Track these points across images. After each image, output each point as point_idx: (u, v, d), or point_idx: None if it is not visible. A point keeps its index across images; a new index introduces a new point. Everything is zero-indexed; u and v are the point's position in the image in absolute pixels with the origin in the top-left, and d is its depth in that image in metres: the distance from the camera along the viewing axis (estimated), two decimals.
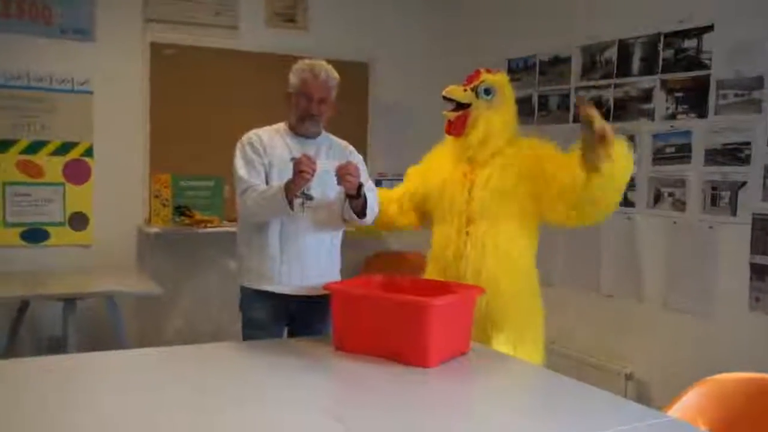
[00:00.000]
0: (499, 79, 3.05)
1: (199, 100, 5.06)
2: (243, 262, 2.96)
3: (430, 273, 3.03)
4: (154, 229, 4.80)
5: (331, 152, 2.97)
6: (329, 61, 2.95)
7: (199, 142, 5.05)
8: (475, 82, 3.01)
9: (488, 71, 3.02)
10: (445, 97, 2.98)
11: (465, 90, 2.99)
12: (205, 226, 4.79)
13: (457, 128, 3.00)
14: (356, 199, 2.78)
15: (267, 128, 2.98)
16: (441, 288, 2.72)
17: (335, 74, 2.91)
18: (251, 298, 2.95)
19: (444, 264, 2.96)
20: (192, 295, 5.11)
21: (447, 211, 3.00)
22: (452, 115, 3.00)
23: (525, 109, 4.95)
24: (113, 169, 4.92)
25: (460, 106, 2.99)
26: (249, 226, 2.91)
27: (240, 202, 2.84)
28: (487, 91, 2.98)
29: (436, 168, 3.11)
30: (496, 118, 2.98)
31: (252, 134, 2.93)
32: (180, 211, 4.91)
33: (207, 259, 5.14)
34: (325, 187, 2.86)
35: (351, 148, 3.06)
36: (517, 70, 5.18)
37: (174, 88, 4.96)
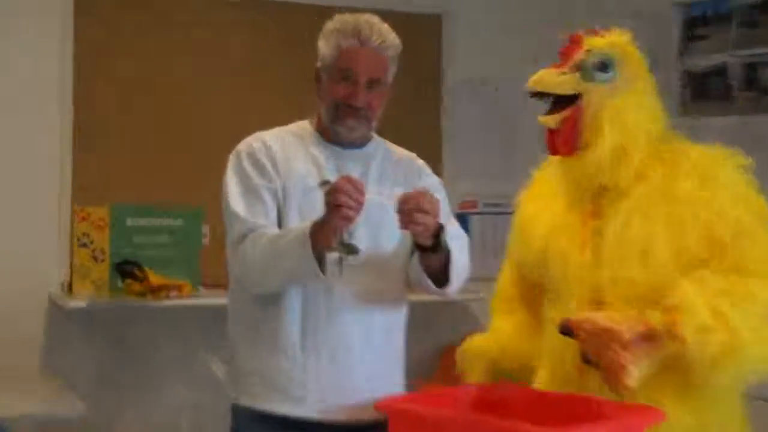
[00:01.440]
0: (617, 41, 2.37)
1: (158, 83, 4.28)
2: (238, 364, 2.33)
3: (545, 382, 2.37)
4: (77, 303, 3.93)
5: (388, 172, 2.35)
6: (380, 15, 2.36)
7: (159, 152, 4.23)
8: (578, 55, 2.33)
9: (595, 33, 2.37)
10: (533, 94, 2.31)
11: (563, 73, 2.31)
12: (168, 297, 3.92)
13: (565, 141, 2.30)
14: (433, 253, 2.18)
15: (280, 131, 2.35)
16: (579, 407, 2.17)
17: (394, 38, 2.31)
18: (252, 426, 2.29)
19: (563, 375, 2.31)
20: (142, 419, 4.23)
21: (557, 287, 2.34)
22: (553, 121, 2.29)
23: (714, 89, 4.34)
24: (3, 199, 4.09)
25: (561, 102, 2.30)
26: (248, 299, 2.28)
27: (234, 256, 2.24)
28: (603, 66, 2.30)
29: (540, 210, 2.41)
30: (631, 109, 2.31)
31: (256, 141, 2.31)
32: (125, 270, 4.02)
33: (170, 355, 4.25)
34: (378, 231, 2.27)
35: (421, 163, 2.43)
36: (698, 22, 4.49)
37: (115, 62, 4.18)
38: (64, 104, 4.12)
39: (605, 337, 2.08)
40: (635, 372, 2.08)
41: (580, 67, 2.33)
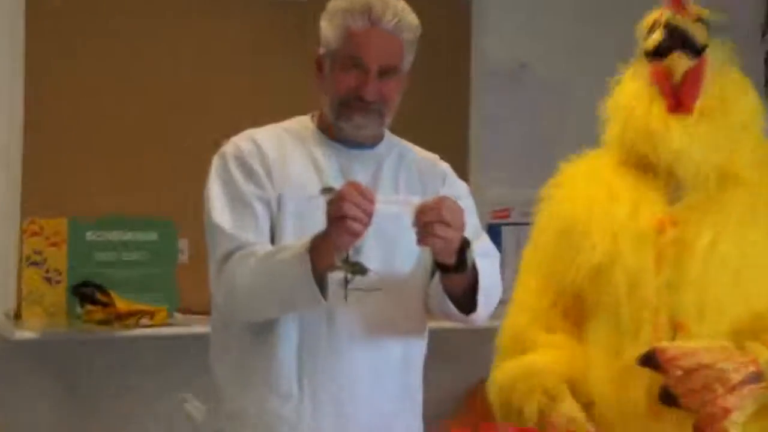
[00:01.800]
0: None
1: (126, 80, 3.95)
2: (221, 406, 2.21)
3: (603, 421, 2.20)
4: (26, 334, 3.59)
5: (404, 176, 2.23)
6: None
7: (127, 155, 3.92)
8: (696, 9, 2.28)
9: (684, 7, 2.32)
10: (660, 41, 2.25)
11: (693, 20, 2.27)
12: (137, 325, 3.57)
13: (689, 93, 2.22)
14: (457, 273, 2.06)
15: (275, 128, 2.24)
16: None
17: (413, 18, 2.19)
18: None
19: (625, 413, 2.15)
20: None
21: (619, 311, 2.19)
22: (685, 65, 2.22)
23: None
24: None
25: (686, 48, 2.23)
26: (235, 328, 2.17)
27: (218, 278, 2.12)
28: (716, 31, 2.33)
29: (591, 213, 2.26)
30: (741, 88, 2.27)
31: (245, 141, 2.18)
32: (85, 293, 3.64)
33: (139, 395, 3.90)
34: (391, 248, 2.14)
35: (444, 166, 2.30)
36: None
37: (74, 56, 3.89)
38: (13, 102, 3.77)
39: (708, 377, 2.02)
40: (740, 418, 2.02)
41: (702, 20, 2.29)
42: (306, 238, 1.99)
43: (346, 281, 2.06)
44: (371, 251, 2.10)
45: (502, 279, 2.26)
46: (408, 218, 2.00)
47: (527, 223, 3.99)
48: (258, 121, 2.29)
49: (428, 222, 1.95)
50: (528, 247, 2.47)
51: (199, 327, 2.96)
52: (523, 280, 2.44)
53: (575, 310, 2.37)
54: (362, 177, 2.13)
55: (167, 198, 3.68)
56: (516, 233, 3.95)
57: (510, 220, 4.22)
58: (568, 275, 2.30)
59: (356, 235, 1.92)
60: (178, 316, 3.61)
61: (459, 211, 1.96)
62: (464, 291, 2.13)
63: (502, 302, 2.31)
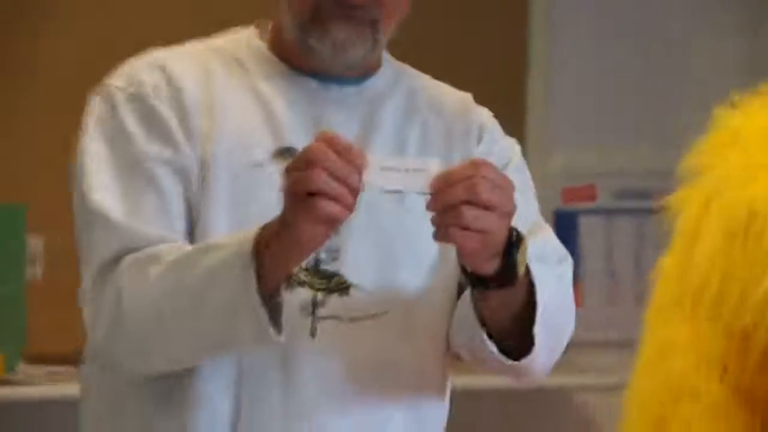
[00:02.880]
0: None
1: None
2: None
3: None
4: None
5: (416, 127, 1.83)
6: None
7: None
8: None
9: None
10: None
11: None
12: None
13: None
14: (500, 290, 1.63)
15: (196, 49, 1.81)
16: None
17: None
18: None
19: None
20: None
21: None
22: None
23: None
24: None
25: None
26: (124, 384, 1.81)
27: (97, 300, 1.73)
28: None
29: None
30: None
31: (147, 71, 1.80)
32: None
33: None
34: (391, 248, 1.75)
35: (482, 113, 1.85)
36: None
37: None
38: None
39: None
40: None
41: None
42: (248, 231, 1.54)
43: (315, 305, 1.64)
44: (358, 254, 1.68)
45: (576, 304, 1.75)
46: (420, 198, 1.52)
47: (624, 210, 3.21)
48: (167, 37, 1.78)
49: (453, 204, 1.47)
50: (668, 259, 1.57)
51: (57, 386, 2.71)
52: (661, 317, 1.64)
53: (747, 360, 1.55)
54: (345, 129, 1.67)
55: (10, 183, 3.19)
56: (604, 225, 3.02)
57: (593, 205, 3.23)
58: (747, 305, 1.53)
59: (332, 223, 1.47)
60: (24, 367, 3.00)
61: (504, 186, 1.50)
62: (513, 320, 1.65)
63: (579, 344, 1.82)
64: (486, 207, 1.45)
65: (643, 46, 3.77)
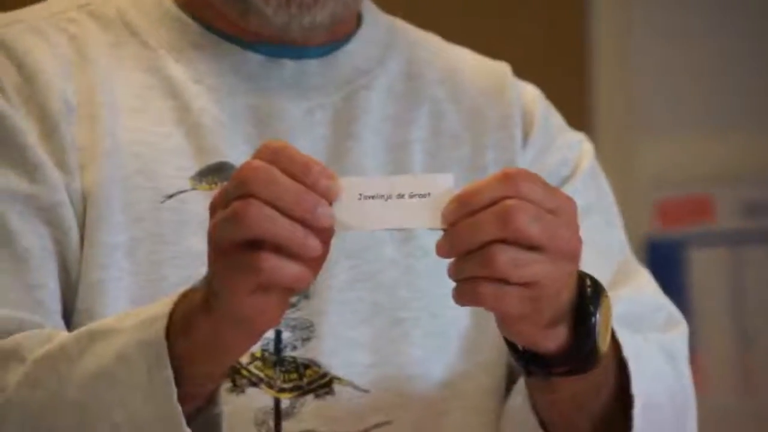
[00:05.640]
0: None
1: None
2: None
3: None
4: None
5: (423, 116, 1.44)
6: None
7: None
8: None
9: None
10: None
11: None
12: None
13: None
14: (568, 375, 1.16)
15: (60, 8, 1.38)
16: None
17: None
18: None
19: None
20: None
21: None
22: None
23: None
24: None
25: None
26: None
27: None
28: None
29: None
30: None
31: None
32: None
33: None
34: (390, 317, 1.43)
35: (527, 91, 1.52)
36: None
37: None
38: None
39: None
40: None
41: None
42: (158, 305, 1.25)
43: (278, 416, 1.40)
44: (343, 330, 1.38)
45: (702, 384, 1.86)
46: (435, 236, 1.22)
47: (761, 237, 2.35)
48: None
49: (479, 243, 1.16)
50: None
51: None
52: None
53: None
54: (309, 133, 1.41)
55: None
56: (731, 259, 2.21)
57: (711, 228, 2.32)
58: None
59: (287, 291, 1.17)
60: None
61: (561, 209, 1.12)
62: (594, 421, 1.31)
63: None
64: (531, 246, 1.07)
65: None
